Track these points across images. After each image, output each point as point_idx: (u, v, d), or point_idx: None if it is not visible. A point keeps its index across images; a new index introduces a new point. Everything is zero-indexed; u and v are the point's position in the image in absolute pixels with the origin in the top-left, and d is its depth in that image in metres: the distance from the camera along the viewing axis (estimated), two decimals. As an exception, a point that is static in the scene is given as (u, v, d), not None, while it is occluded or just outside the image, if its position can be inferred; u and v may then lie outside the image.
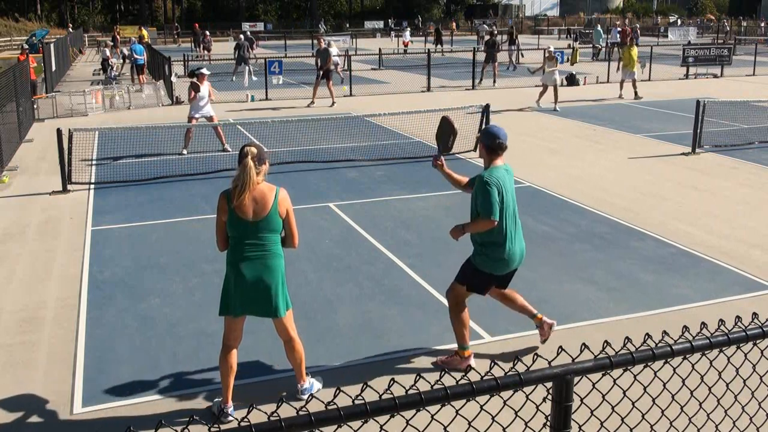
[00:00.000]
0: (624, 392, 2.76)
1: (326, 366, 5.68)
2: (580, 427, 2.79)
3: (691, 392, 2.92)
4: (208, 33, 36.33)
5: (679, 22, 63.11)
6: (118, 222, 9.58)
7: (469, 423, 2.43)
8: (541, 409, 2.44)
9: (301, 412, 1.86)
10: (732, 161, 13.00)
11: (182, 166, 12.66)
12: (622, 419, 2.77)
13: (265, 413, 1.87)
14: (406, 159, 13.26)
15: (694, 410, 3.16)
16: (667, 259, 8.05)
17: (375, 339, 6.14)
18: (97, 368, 5.68)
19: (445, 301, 6.85)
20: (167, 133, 14.62)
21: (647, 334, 2.45)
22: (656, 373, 2.85)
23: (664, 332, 2.50)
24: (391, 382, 2.08)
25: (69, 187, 11.24)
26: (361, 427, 2.11)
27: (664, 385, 2.85)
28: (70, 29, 49.69)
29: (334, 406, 1.89)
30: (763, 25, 55.46)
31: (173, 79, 21.56)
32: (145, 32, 39.55)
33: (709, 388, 3.03)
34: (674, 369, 2.66)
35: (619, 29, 35.01)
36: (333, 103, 20.03)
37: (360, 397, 1.94)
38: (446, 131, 5.82)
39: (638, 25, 41.78)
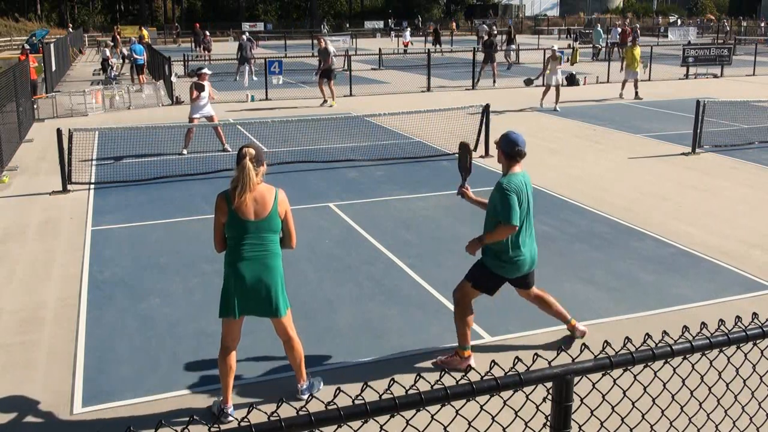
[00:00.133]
0: (624, 392, 2.76)
1: (326, 366, 5.68)
2: (580, 427, 2.79)
3: (691, 392, 2.92)
4: (207, 33, 36.32)
5: (679, 22, 63.11)
6: (118, 222, 9.59)
7: (469, 423, 2.43)
8: (541, 409, 2.44)
9: (301, 412, 1.86)
10: (732, 161, 13.00)
11: (182, 166, 12.66)
12: (622, 419, 2.77)
13: (265, 413, 1.87)
14: (406, 159, 13.26)
15: (694, 410, 3.16)
16: (667, 259, 8.05)
17: (375, 339, 6.14)
18: (97, 368, 5.68)
19: (445, 301, 6.87)
20: (167, 133, 14.62)
21: (647, 334, 2.45)
22: (656, 373, 2.85)
23: (664, 332, 2.50)
24: (391, 382, 2.08)
25: (69, 187, 11.24)
26: (361, 427, 2.11)
27: (664, 385, 2.85)
28: (70, 29, 49.69)
29: (334, 406, 1.89)
30: (763, 25, 55.46)
31: (173, 79, 21.57)
32: (145, 32, 39.55)
33: (709, 388, 3.03)
34: (674, 369, 2.66)
35: (619, 29, 35.03)
36: (332, 103, 20.03)
37: (360, 397, 1.94)
38: (464, 155, 5.89)
39: (638, 25, 41.76)
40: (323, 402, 2.01)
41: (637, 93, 21.21)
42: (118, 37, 35.79)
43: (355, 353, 5.89)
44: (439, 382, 2.05)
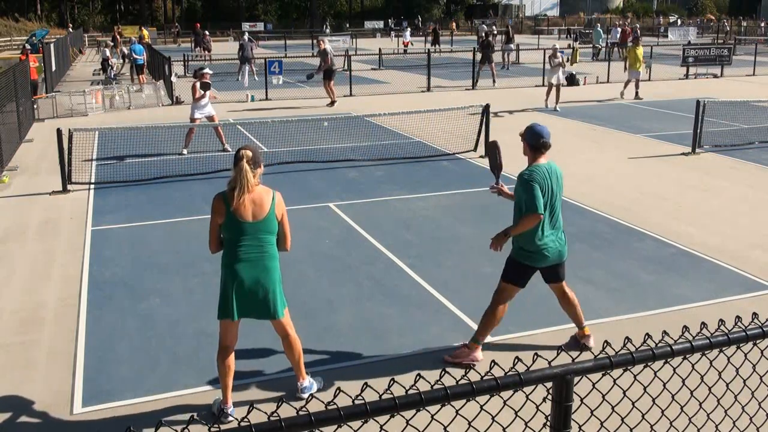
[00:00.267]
0: (624, 392, 2.76)
1: (326, 366, 5.68)
2: (580, 427, 2.79)
3: (691, 392, 2.92)
4: (207, 33, 36.31)
5: (679, 22, 63.10)
6: (118, 222, 9.59)
7: (469, 423, 2.43)
8: (541, 409, 2.44)
9: (301, 412, 1.86)
10: (732, 161, 13.00)
11: (182, 166, 12.66)
12: (622, 419, 2.77)
13: (265, 413, 1.87)
14: (406, 159, 13.26)
15: (694, 410, 3.16)
16: (667, 259, 8.05)
17: (375, 339, 6.14)
18: (97, 368, 5.68)
19: (445, 301, 6.89)
20: (167, 133, 14.61)
21: (647, 334, 2.45)
22: (656, 373, 2.85)
23: (664, 332, 2.50)
24: (391, 382, 2.08)
25: (69, 187, 11.24)
26: (361, 427, 2.11)
27: (664, 385, 2.85)
28: (70, 29, 49.69)
29: (334, 406, 1.89)
30: (763, 25, 55.45)
31: (173, 79, 21.57)
32: (145, 32, 39.55)
33: (709, 388, 3.03)
34: (674, 369, 2.66)
35: (619, 29, 35.03)
36: (331, 103, 20.05)
37: (360, 397, 1.94)
38: (494, 154, 5.97)
39: (638, 25, 41.76)
40: (323, 402, 2.01)
41: (637, 93, 21.21)
42: (118, 37, 35.79)
43: (355, 353, 5.89)
44: (439, 382, 2.05)
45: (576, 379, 2.20)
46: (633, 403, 2.74)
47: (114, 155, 13.79)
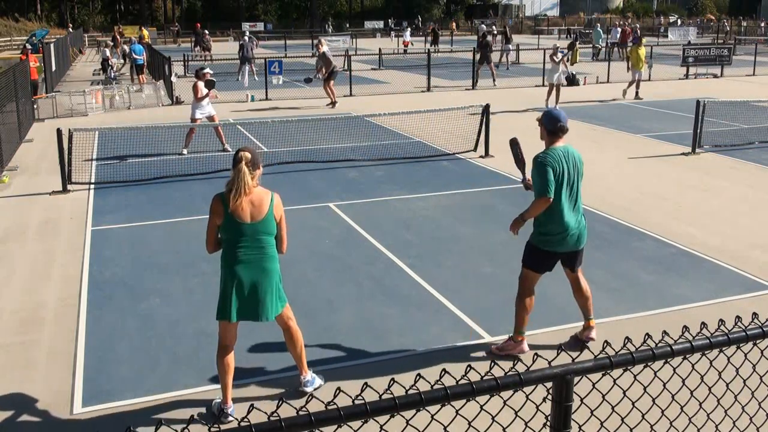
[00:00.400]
0: (624, 392, 2.76)
1: (326, 366, 5.68)
2: (580, 427, 2.79)
3: (691, 392, 2.92)
4: (207, 32, 36.32)
5: (679, 22, 63.09)
6: (118, 222, 9.59)
7: (469, 423, 2.43)
8: (541, 409, 2.44)
9: (301, 412, 1.86)
10: (732, 161, 13.00)
11: (182, 166, 12.66)
12: (622, 419, 2.77)
13: (265, 413, 1.87)
14: (406, 159, 13.26)
15: (694, 410, 3.16)
16: (667, 259, 8.05)
17: (375, 339, 6.14)
18: (97, 368, 5.68)
19: (445, 301, 6.89)
20: (167, 133, 14.61)
21: (647, 334, 2.45)
22: (656, 373, 2.85)
23: (664, 332, 2.50)
24: (391, 382, 2.08)
25: (69, 187, 11.24)
26: (361, 427, 2.11)
27: (664, 385, 2.85)
28: (70, 29, 49.68)
29: (334, 406, 1.89)
30: (763, 25, 55.45)
31: (173, 79, 21.56)
32: (145, 32, 39.53)
33: (709, 388, 3.03)
34: (674, 369, 2.66)
35: (619, 29, 35.03)
36: (332, 104, 20.05)
37: (360, 397, 1.94)
38: (516, 150, 6.03)
39: (638, 25, 41.76)
40: (323, 402, 2.01)
41: (637, 93, 21.21)
42: (118, 36, 35.77)
43: (355, 353, 5.89)
44: (439, 382, 2.05)
45: (576, 379, 2.20)
46: (633, 403, 2.74)
47: (114, 155, 13.79)
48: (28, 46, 28.39)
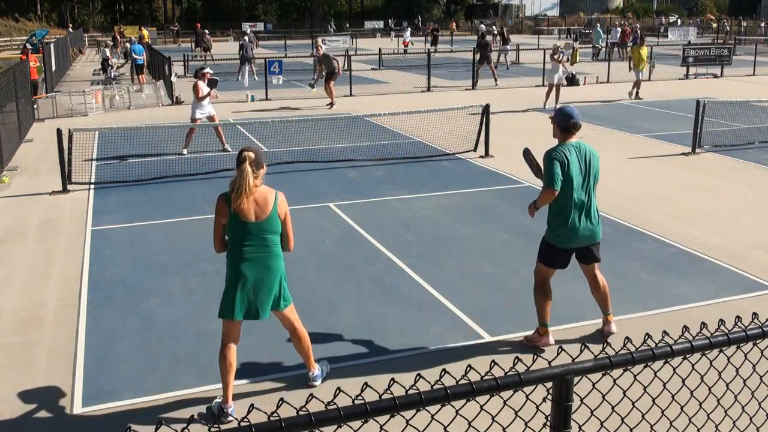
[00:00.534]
0: (624, 392, 2.76)
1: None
2: (580, 427, 2.78)
3: (691, 392, 2.92)
4: (207, 32, 36.31)
5: (679, 22, 63.09)
6: (118, 222, 9.59)
7: (469, 423, 2.43)
8: (541, 409, 2.44)
9: (301, 412, 1.86)
10: (732, 161, 13.00)
11: (182, 166, 12.66)
12: (622, 419, 2.77)
13: (265, 413, 1.87)
14: (406, 159, 13.26)
15: (694, 410, 3.16)
16: (667, 259, 8.05)
17: (375, 339, 6.14)
18: (97, 368, 5.68)
19: (445, 301, 6.89)
20: (167, 133, 14.61)
21: (647, 334, 2.45)
22: (656, 373, 2.85)
23: (664, 332, 2.50)
24: (391, 382, 2.08)
25: (69, 187, 11.24)
26: (361, 427, 2.11)
27: (664, 385, 2.85)
28: (70, 29, 49.68)
29: (334, 406, 1.89)
30: (763, 25, 55.45)
31: (173, 79, 21.56)
32: (145, 32, 39.53)
33: (709, 388, 3.03)
34: (674, 369, 2.66)
35: (619, 29, 35.02)
36: (330, 104, 20.06)
37: (360, 397, 1.94)
38: (530, 159, 6.05)
39: (638, 25, 41.75)
40: (323, 402, 2.01)
41: (637, 93, 21.21)
42: (118, 36, 35.77)
43: (355, 353, 5.89)
44: (439, 382, 2.05)
45: (576, 379, 2.20)
46: (633, 403, 2.74)
47: (114, 155, 13.79)
48: (28, 46, 28.39)
